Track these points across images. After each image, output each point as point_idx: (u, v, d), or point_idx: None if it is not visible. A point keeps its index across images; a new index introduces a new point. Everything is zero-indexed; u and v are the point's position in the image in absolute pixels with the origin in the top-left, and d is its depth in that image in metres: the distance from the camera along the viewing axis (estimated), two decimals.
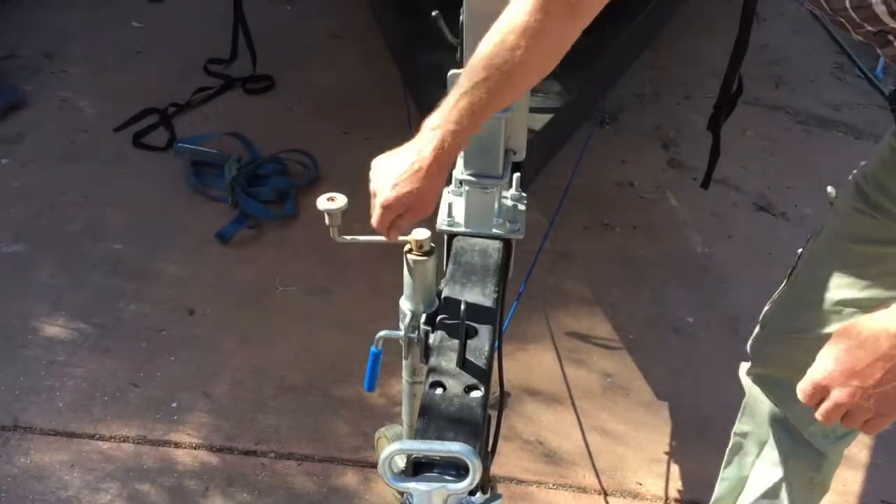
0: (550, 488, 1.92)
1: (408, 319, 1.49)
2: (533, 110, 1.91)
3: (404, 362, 1.61)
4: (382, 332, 1.51)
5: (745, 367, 1.48)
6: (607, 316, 2.43)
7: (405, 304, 1.50)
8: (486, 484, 1.33)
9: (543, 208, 2.74)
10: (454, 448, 1.04)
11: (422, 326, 1.46)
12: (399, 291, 2.60)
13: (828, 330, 1.30)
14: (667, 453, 2.02)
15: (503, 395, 1.56)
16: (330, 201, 1.42)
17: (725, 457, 1.58)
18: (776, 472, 1.46)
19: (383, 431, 1.87)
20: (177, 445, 1.97)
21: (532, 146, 1.78)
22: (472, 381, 1.29)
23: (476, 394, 1.27)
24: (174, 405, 2.07)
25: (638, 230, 2.80)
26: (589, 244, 2.70)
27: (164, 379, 2.15)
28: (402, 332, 1.50)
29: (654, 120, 3.39)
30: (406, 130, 2.67)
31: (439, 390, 1.29)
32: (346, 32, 3.75)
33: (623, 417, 2.11)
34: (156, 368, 2.17)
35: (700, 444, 2.06)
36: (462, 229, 1.59)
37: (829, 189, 1.35)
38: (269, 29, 3.62)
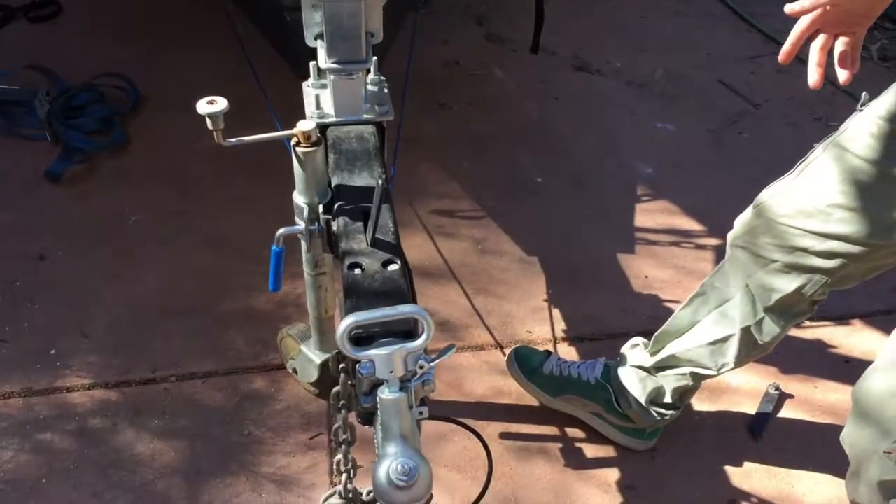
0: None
1: (306, 213, 1.50)
2: None
3: (305, 256, 1.63)
4: (282, 230, 1.51)
5: (732, 234, 1.56)
6: (465, 190, 2.53)
7: (300, 198, 1.50)
8: None
9: None
10: (406, 310, 1.09)
11: (321, 216, 1.48)
12: (256, 200, 2.58)
13: (812, 227, 1.38)
14: (546, 301, 2.18)
15: (409, 268, 1.62)
16: (210, 104, 1.38)
17: (688, 299, 1.68)
18: (728, 329, 1.59)
19: (286, 331, 1.89)
20: (69, 390, 1.90)
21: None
22: (386, 256, 1.34)
23: (393, 266, 1.32)
24: (53, 352, 1.98)
25: (473, 105, 2.90)
26: (431, 125, 2.76)
27: (33, 329, 2.03)
28: (301, 226, 1.52)
29: None
30: (229, 36, 2.60)
31: (358, 270, 1.33)
32: None
33: (501, 278, 2.24)
34: (21, 320, 2.05)
35: (574, 288, 2.23)
36: (333, 119, 1.60)
37: (864, 94, 1.35)
38: None
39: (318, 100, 1.61)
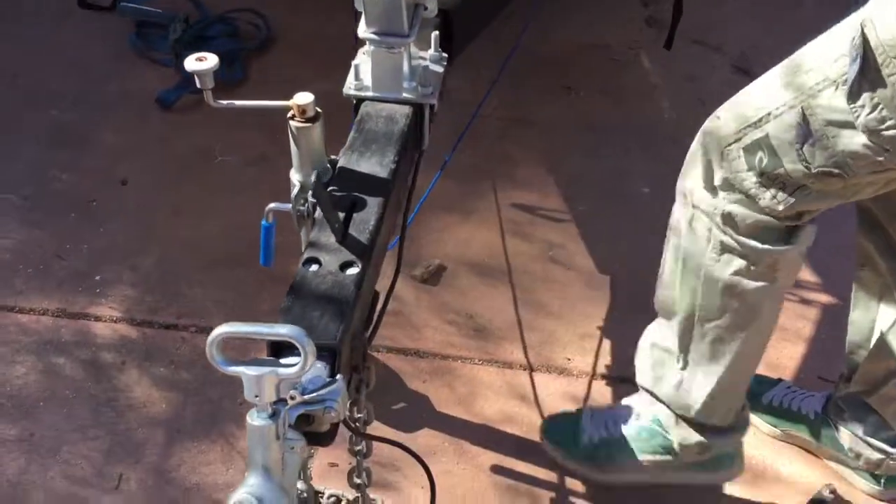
0: (476, 364, 1.87)
1: (296, 191, 1.39)
2: None
3: (301, 237, 1.53)
4: (272, 205, 1.42)
5: None
6: (559, 186, 2.31)
7: (294, 176, 1.40)
8: (360, 365, 1.27)
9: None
10: (282, 331, 0.97)
11: (309, 198, 1.37)
12: None
13: None
14: (599, 328, 1.95)
15: (397, 273, 1.48)
16: (199, 62, 1.28)
17: (852, 299, 1.56)
18: None
19: None
20: (97, 319, 1.93)
21: (466, 4, 1.63)
22: (350, 257, 1.22)
23: (352, 271, 1.21)
24: (98, 278, 2.02)
25: (603, 94, 2.64)
26: (547, 110, 2.54)
27: (90, 251, 2.09)
28: (289, 205, 1.41)
29: None
30: None
31: (314, 267, 1.23)
32: None
33: (560, 292, 2.03)
34: (82, 240, 2.11)
35: (635, 321, 1.95)
36: (370, 94, 1.48)
37: None
38: None
39: (358, 70, 1.49)
